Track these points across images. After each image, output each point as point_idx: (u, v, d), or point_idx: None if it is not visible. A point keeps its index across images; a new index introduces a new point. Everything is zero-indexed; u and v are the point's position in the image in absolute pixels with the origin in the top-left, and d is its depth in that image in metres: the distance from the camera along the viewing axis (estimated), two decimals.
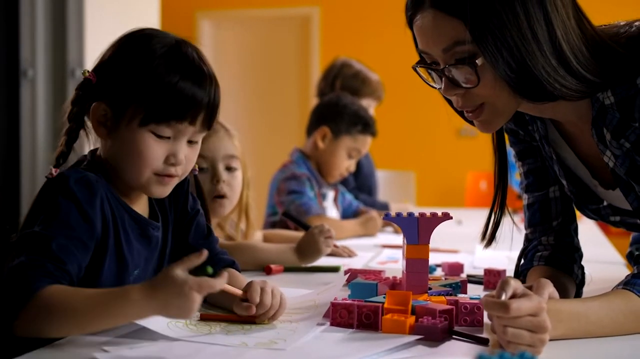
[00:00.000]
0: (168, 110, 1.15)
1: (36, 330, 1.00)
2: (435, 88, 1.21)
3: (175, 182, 1.22)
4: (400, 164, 5.65)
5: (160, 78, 1.14)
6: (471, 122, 1.23)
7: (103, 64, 1.21)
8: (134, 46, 1.19)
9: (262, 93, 6.75)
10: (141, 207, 1.26)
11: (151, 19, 4.36)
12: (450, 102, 1.23)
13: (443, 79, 1.16)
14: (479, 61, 1.10)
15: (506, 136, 1.40)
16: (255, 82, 6.78)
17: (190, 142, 1.21)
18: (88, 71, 1.21)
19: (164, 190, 1.21)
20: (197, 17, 6.77)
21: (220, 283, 0.99)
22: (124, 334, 1.07)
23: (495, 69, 1.09)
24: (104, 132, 1.19)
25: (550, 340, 1.01)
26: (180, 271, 0.97)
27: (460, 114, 1.24)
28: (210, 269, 0.99)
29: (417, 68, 1.20)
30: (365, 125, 2.68)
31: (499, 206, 1.35)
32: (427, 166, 6.00)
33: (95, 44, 3.76)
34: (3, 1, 3.63)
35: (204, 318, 1.17)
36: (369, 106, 3.21)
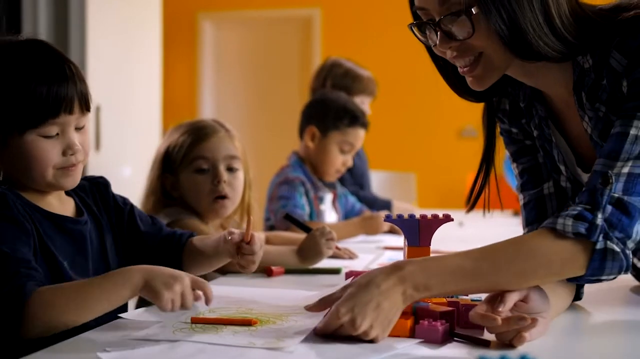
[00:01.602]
0: (40, 115, 1.18)
1: (43, 326, 1.05)
2: (429, 45, 1.25)
3: (80, 169, 1.26)
4: (400, 165, 5.65)
5: (18, 90, 1.17)
6: (456, 88, 1.30)
7: None
8: None
9: (264, 94, 6.76)
10: (62, 207, 1.29)
11: (153, 20, 4.37)
12: (440, 66, 1.30)
13: (438, 33, 1.19)
14: (474, 10, 1.14)
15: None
16: (257, 83, 6.78)
17: (77, 128, 1.24)
18: None
19: (73, 180, 1.26)
20: (199, 18, 6.78)
21: (209, 296, 1.13)
22: (127, 337, 1.08)
23: (489, 19, 1.13)
24: None
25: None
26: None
27: (448, 78, 1.30)
28: None
29: (412, 27, 1.24)
30: (353, 117, 2.63)
31: (484, 172, 1.39)
32: (428, 167, 6.00)
33: (97, 46, 3.76)
34: (5, 5, 3.64)
35: (195, 321, 1.17)
36: (363, 102, 3.20)
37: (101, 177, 1.41)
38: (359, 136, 2.68)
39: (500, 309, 1.05)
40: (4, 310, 1.04)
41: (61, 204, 1.30)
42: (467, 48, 1.19)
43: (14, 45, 1.22)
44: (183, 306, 1.10)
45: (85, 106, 1.23)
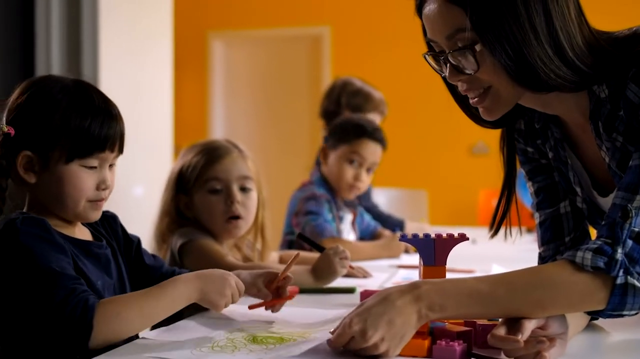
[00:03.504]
0: (89, 147, 1.29)
1: (109, 335, 1.13)
2: (442, 75, 1.26)
3: (104, 204, 1.36)
4: (412, 183, 5.65)
5: (73, 124, 1.27)
6: (473, 116, 1.30)
7: (16, 115, 1.30)
8: (41, 97, 1.30)
9: (274, 112, 6.78)
10: (82, 235, 1.37)
11: (164, 40, 4.40)
12: (457, 95, 1.30)
13: (448, 65, 1.21)
14: (477, 47, 1.14)
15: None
16: (267, 102, 6.80)
17: (110, 166, 1.36)
18: (6, 126, 1.28)
19: (98, 214, 1.35)
20: (209, 37, 6.82)
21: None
22: (146, 357, 1.08)
23: (494, 56, 1.13)
24: (33, 176, 1.29)
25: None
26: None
27: (464, 107, 1.31)
28: None
29: (426, 56, 1.26)
30: (359, 127, 2.60)
31: (506, 198, 1.38)
32: (439, 184, 5.99)
33: (109, 65, 3.79)
34: (19, 18, 3.67)
35: (251, 308, 1.40)
36: (373, 120, 3.22)
37: (109, 212, 1.48)
38: (369, 147, 2.61)
39: (519, 338, 1.04)
40: (71, 324, 1.11)
41: (81, 233, 1.37)
42: (475, 81, 1.20)
43: (70, 84, 1.32)
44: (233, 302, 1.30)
45: (121, 147, 1.35)
